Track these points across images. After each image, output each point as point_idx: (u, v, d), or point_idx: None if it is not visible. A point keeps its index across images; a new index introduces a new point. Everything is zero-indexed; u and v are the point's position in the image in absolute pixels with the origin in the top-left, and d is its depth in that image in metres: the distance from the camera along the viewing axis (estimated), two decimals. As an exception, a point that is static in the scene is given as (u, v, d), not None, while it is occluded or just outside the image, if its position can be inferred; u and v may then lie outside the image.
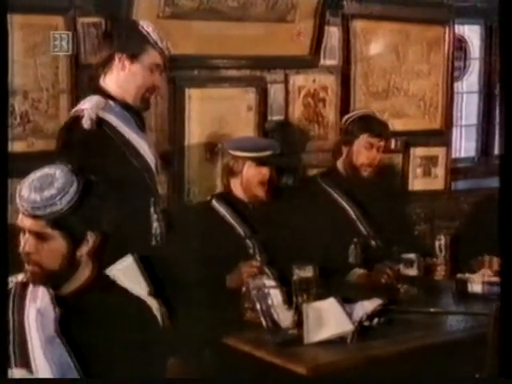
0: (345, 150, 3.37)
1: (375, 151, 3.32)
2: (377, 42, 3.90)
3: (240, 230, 3.05)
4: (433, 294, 2.94)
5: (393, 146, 3.95)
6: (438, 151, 4.10)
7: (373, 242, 3.31)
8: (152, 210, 2.63)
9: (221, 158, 3.26)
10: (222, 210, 3.07)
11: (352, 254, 3.22)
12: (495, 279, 2.90)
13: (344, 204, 3.35)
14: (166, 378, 2.08)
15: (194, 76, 3.38)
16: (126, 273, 2.05)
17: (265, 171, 3.07)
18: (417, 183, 4.07)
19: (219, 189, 3.29)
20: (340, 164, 3.41)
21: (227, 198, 3.11)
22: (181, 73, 3.28)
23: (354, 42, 3.82)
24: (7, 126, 2.28)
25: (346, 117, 3.48)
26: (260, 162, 3.06)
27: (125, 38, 2.64)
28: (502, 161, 2.22)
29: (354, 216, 3.34)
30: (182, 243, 2.77)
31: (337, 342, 2.46)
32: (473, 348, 2.46)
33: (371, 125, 3.38)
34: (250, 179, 3.06)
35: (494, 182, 4.30)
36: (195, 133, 3.38)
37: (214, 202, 3.10)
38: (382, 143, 3.34)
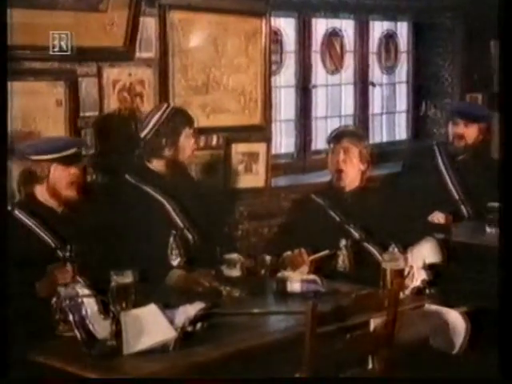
0: (169, 151, 3.27)
1: (193, 140, 3.35)
2: (195, 34, 3.83)
3: (49, 240, 2.88)
4: (256, 294, 2.92)
5: (214, 142, 3.90)
6: (259, 147, 4.10)
7: (192, 239, 3.24)
8: None
9: (17, 163, 3.01)
10: (26, 220, 2.88)
11: (171, 247, 3.14)
12: (312, 277, 2.96)
13: (163, 201, 3.26)
14: (166, 378, 2.05)
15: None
16: None
17: (73, 171, 2.95)
18: (239, 180, 4.04)
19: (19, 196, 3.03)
20: (160, 164, 3.31)
21: (31, 206, 2.92)
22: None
23: (172, 33, 3.73)
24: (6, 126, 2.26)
25: (155, 120, 3.32)
26: (67, 161, 2.92)
27: None
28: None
29: (173, 213, 3.26)
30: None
31: (159, 350, 2.37)
32: (293, 347, 2.44)
33: (185, 117, 3.34)
34: (58, 182, 2.92)
35: (311, 178, 4.43)
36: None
37: (17, 212, 2.89)
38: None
